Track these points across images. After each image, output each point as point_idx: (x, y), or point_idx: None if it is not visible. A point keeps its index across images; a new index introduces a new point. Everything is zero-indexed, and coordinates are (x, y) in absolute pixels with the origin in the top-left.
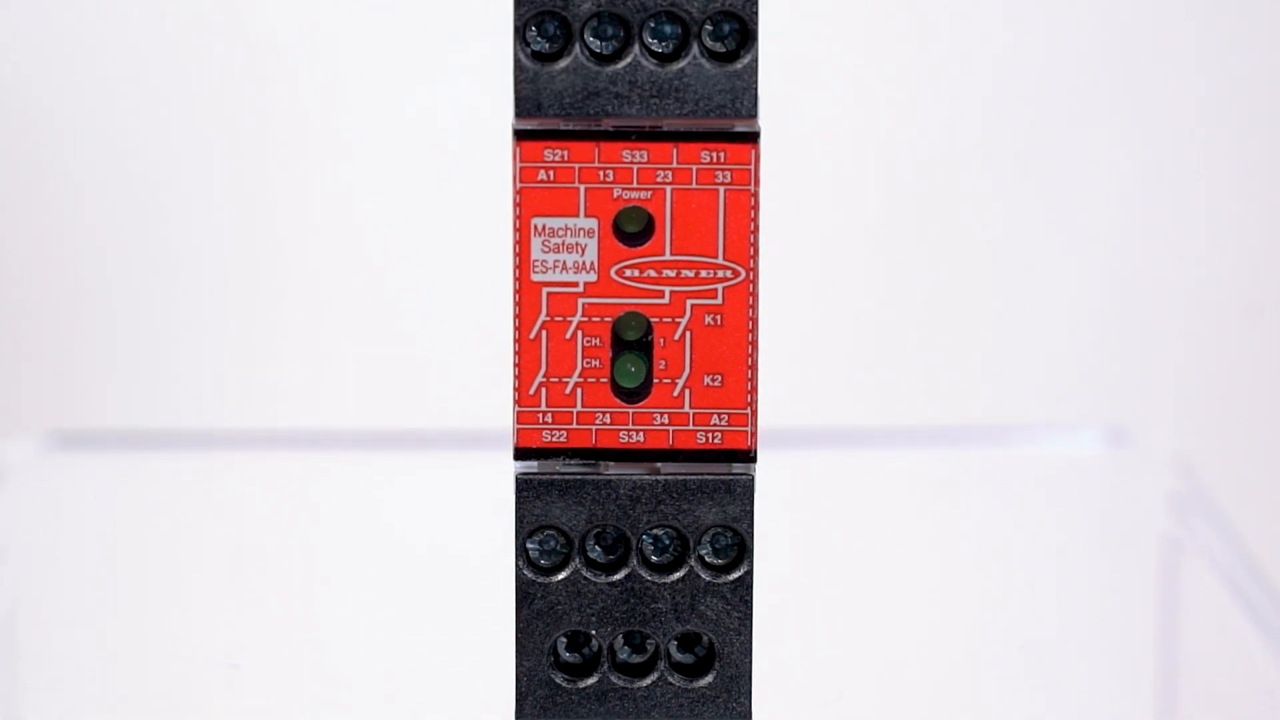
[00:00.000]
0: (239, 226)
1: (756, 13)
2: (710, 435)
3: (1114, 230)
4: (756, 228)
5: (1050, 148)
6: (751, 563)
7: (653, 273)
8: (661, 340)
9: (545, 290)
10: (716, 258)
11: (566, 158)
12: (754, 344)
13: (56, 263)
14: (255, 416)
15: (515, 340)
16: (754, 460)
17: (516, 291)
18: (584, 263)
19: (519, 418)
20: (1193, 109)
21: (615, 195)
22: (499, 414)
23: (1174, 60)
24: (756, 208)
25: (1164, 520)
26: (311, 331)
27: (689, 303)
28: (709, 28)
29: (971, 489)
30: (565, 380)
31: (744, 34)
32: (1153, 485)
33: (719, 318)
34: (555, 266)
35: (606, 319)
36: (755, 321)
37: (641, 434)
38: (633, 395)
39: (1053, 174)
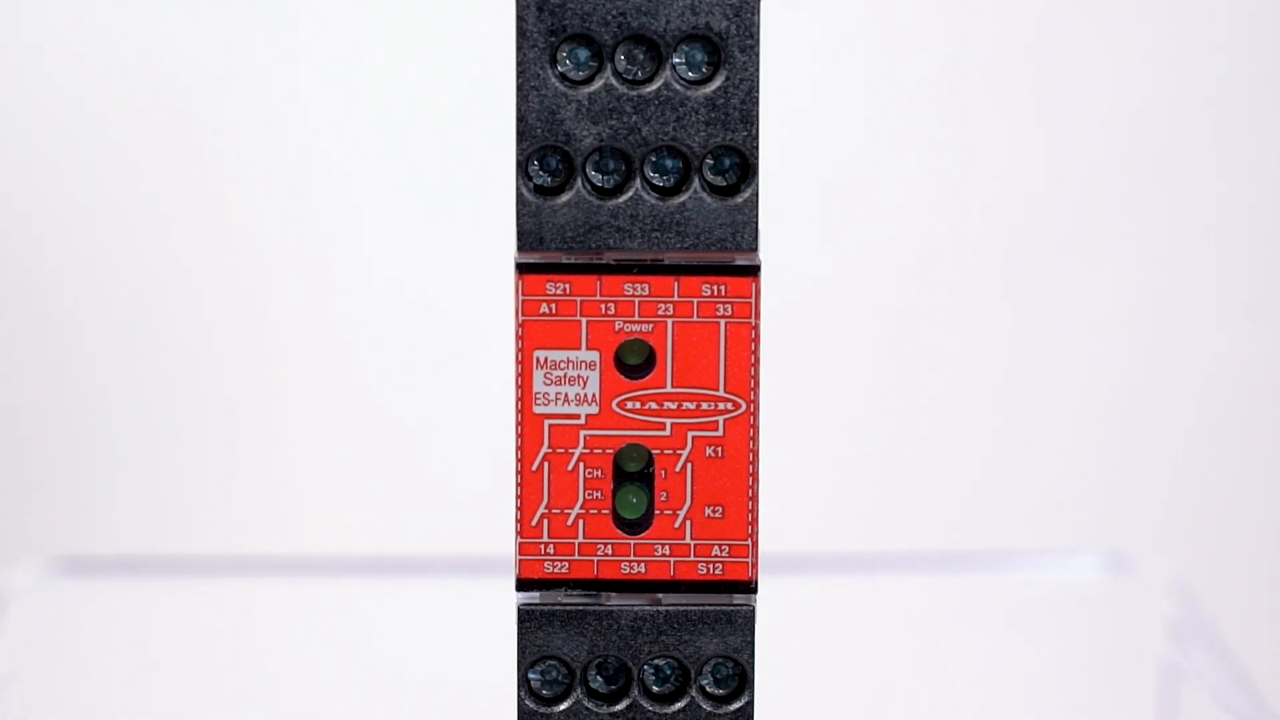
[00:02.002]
0: (244, 352)
1: (757, 147)
2: (711, 566)
3: (1112, 356)
4: (757, 360)
5: (1046, 275)
6: (752, 693)
7: (654, 405)
8: (663, 472)
9: (547, 422)
10: (717, 390)
11: (568, 291)
12: (754, 475)
13: (60, 387)
14: (259, 542)
15: (517, 472)
16: (755, 591)
17: (519, 423)
18: (586, 395)
19: (521, 549)
20: (1188, 234)
21: (617, 328)
22: (501, 541)
23: (1172, 183)
24: (757, 340)
25: (1163, 647)
26: (314, 459)
27: (690, 434)
28: (710, 162)
29: (971, 615)
30: (567, 511)
31: (744, 168)
32: (1152, 611)
33: (720, 449)
34: (557, 399)
35: (608, 451)
36: (756, 453)
37: (643, 565)
38: (634, 526)
39: (1049, 300)
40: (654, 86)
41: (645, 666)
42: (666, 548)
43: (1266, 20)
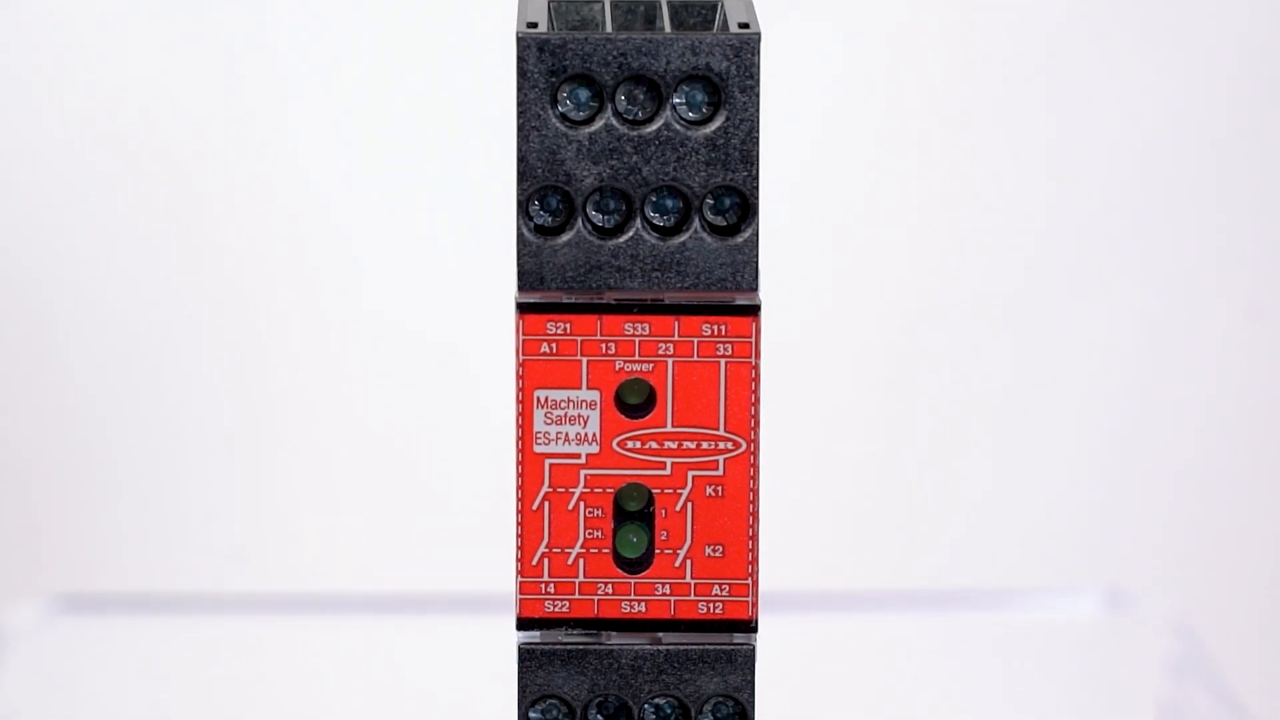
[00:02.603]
0: (246, 390)
1: (757, 187)
2: (711, 605)
3: (1111, 393)
4: (757, 399)
5: (1044, 312)
6: None
7: (654, 444)
8: (663, 511)
9: (548, 462)
10: (718, 429)
11: (569, 331)
12: (755, 515)
13: (60, 423)
14: (262, 580)
15: (518, 512)
16: (755, 630)
17: (519, 463)
18: (586, 434)
19: (521, 588)
20: (1186, 270)
21: (617, 368)
22: (501, 579)
23: (1170, 222)
24: (757, 380)
25: (1162, 684)
26: (316, 497)
27: (690, 474)
28: (710, 202)
29: (970, 652)
30: (567, 551)
31: (744, 208)
32: (1151, 649)
33: (720, 489)
34: (558, 438)
35: (608, 490)
36: (756, 493)
37: (643, 604)
38: (634, 566)
39: (1047, 337)
40: (654, 127)
41: (646, 705)
42: (667, 587)
43: (1270, 51)
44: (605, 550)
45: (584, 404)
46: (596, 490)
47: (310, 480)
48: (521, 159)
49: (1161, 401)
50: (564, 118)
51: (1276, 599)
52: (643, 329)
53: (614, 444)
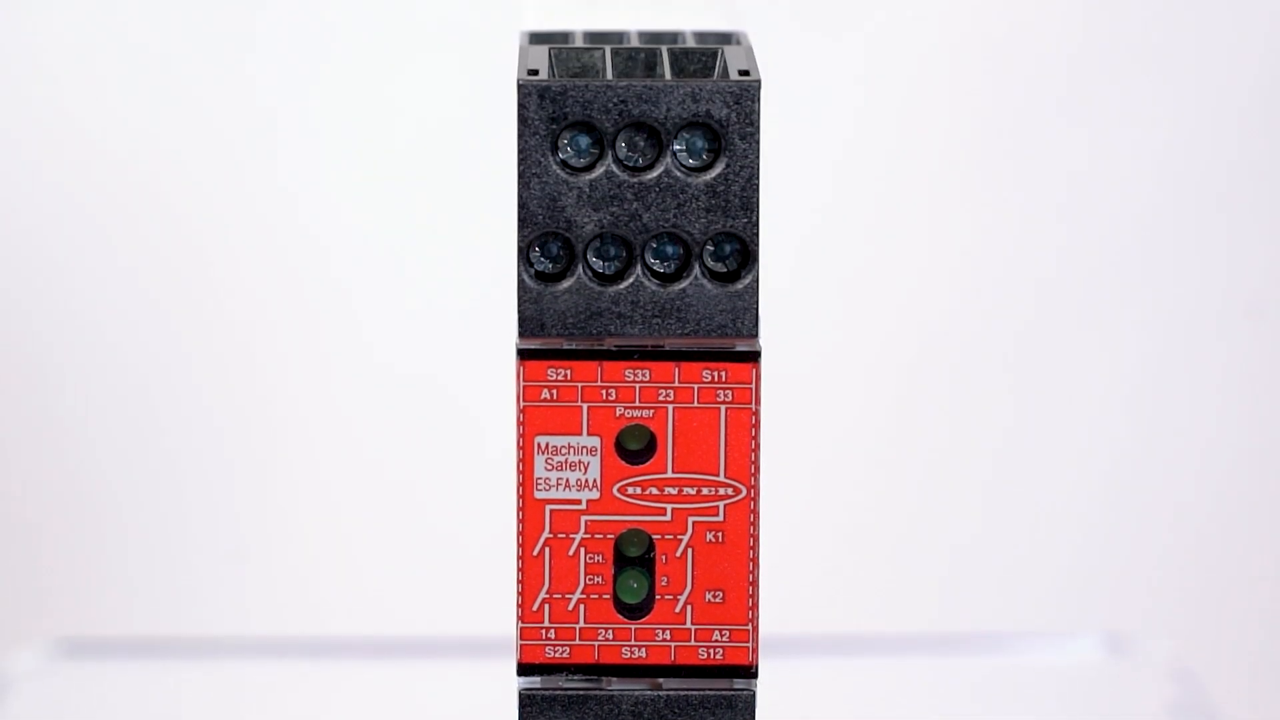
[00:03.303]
0: (248, 437)
1: (757, 234)
2: (712, 651)
3: (1109, 437)
4: (757, 445)
5: (1043, 357)
6: None
7: (655, 490)
8: (663, 557)
9: (548, 508)
10: (718, 475)
11: (569, 377)
12: (755, 560)
13: (62, 467)
14: (263, 625)
15: (519, 557)
16: (755, 676)
17: (520, 509)
18: (587, 480)
19: (522, 634)
20: (1185, 318)
21: (618, 414)
22: (502, 623)
23: (1168, 273)
24: (757, 426)
25: None
26: (317, 541)
27: (690, 520)
28: (710, 248)
29: (971, 697)
30: (568, 597)
31: (744, 254)
32: (1151, 692)
33: (720, 535)
34: (558, 484)
35: (609, 536)
36: (756, 538)
37: (644, 650)
38: (635, 611)
39: (1046, 383)
40: (655, 173)
41: None
42: (667, 632)
43: (1268, 99)
44: (606, 596)
45: (584, 450)
46: (597, 536)
47: (312, 525)
48: (522, 205)
49: (1160, 445)
50: (565, 164)
51: (1275, 642)
52: (643, 375)
53: (614, 490)
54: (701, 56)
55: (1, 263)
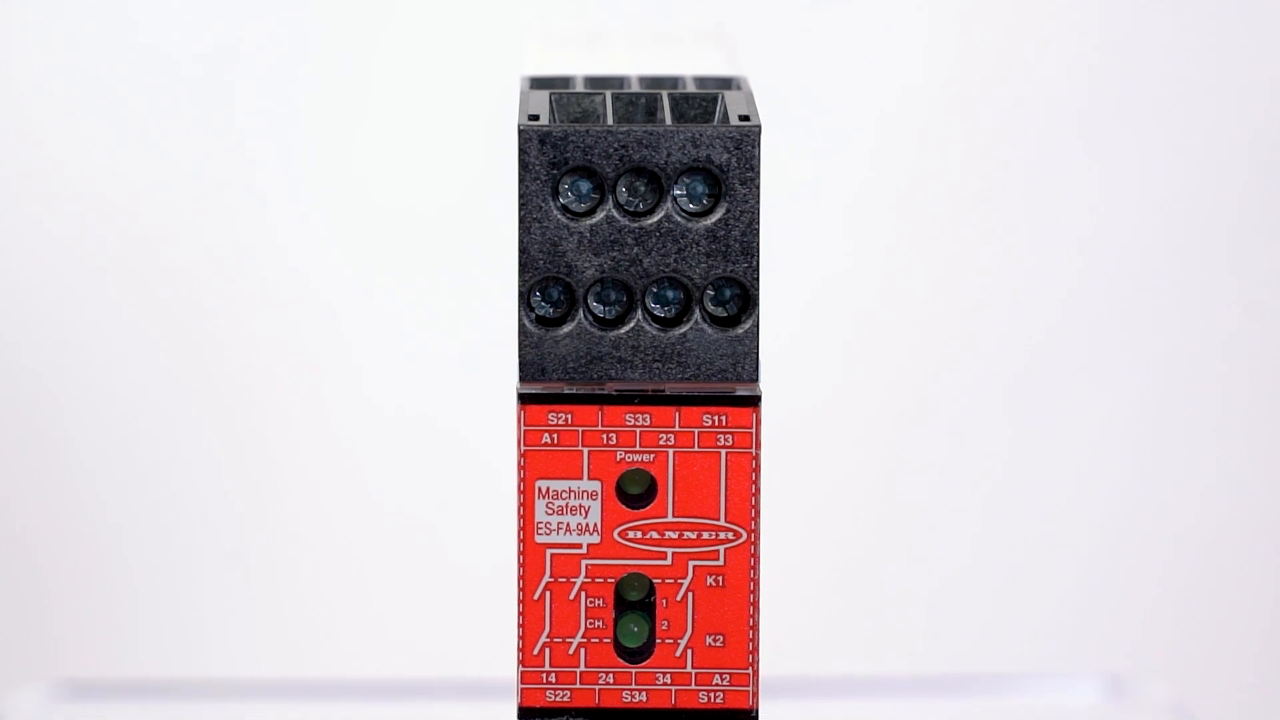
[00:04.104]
0: (251, 480)
1: (757, 279)
2: (712, 695)
3: (1109, 480)
4: (758, 490)
5: (1042, 400)
6: None
7: (655, 534)
8: (664, 601)
9: (549, 552)
10: (718, 520)
11: (570, 421)
12: (755, 604)
13: (65, 509)
14: (265, 667)
15: (519, 601)
16: (755, 719)
17: (521, 553)
18: (587, 524)
19: (523, 678)
20: (1182, 357)
21: (618, 458)
22: (503, 666)
23: (1167, 313)
24: (758, 470)
25: None
26: (320, 583)
27: (691, 564)
28: (710, 293)
29: None
30: (569, 640)
31: (745, 299)
32: None
33: (721, 579)
34: (559, 528)
35: (609, 580)
36: (756, 582)
37: (644, 694)
38: (636, 655)
39: (1045, 425)
40: (655, 218)
41: None
42: (668, 676)
43: (1268, 144)
44: (606, 640)
45: (585, 494)
46: (598, 580)
47: (315, 567)
48: (523, 250)
49: (1158, 487)
50: (565, 209)
51: (1274, 684)
52: (644, 420)
53: (615, 534)
54: (702, 101)
55: (7, 315)
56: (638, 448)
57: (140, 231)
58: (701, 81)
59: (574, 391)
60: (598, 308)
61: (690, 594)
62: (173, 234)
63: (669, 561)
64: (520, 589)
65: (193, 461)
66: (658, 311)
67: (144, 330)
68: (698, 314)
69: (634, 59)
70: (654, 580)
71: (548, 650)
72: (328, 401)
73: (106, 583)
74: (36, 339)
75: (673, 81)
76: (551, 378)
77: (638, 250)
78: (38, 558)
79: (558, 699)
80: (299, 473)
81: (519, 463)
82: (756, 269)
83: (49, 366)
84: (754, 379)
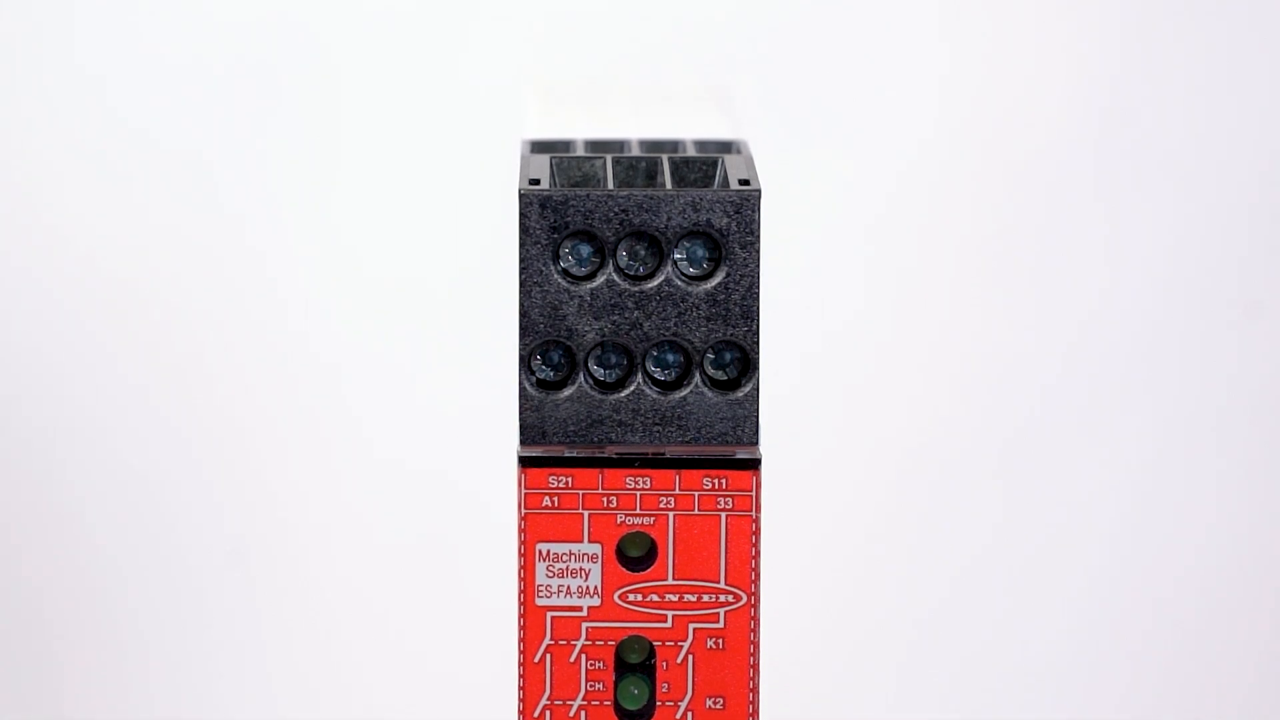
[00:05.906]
0: (253, 537)
1: (757, 342)
2: None
3: (1106, 544)
4: (758, 553)
5: (1041, 460)
6: None
7: (655, 597)
8: (664, 663)
9: (549, 614)
10: (718, 582)
11: (570, 484)
12: (755, 667)
13: (73, 566)
14: None
15: (520, 664)
16: None
17: (521, 615)
18: (588, 587)
19: None
20: (1182, 419)
21: (619, 521)
22: None
23: (1166, 371)
24: (758, 533)
25: None
26: (321, 645)
27: (691, 626)
28: (710, 356)
29: None
30: (569, 703)
31: (745, 363)
32: None
33: (721, 641)
34: (559, 591)
35: (610, 642)
36: (757, 645)
37: None
38: (636, 718)
39: (1044, 490)
40: (655, 282)
41: None
42: None
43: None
44: (607, 702)
45: (585, 557)
46: (598, 643)
47: (311, 629)
48: (524, 314)
49: (1153, 555)
50: (566, 273)
51: None
52: (644, 483)
53: (615, 596)
54: (702, 165)
55: (17, 392)
56: (638, 511)
57: (149, 296)
58: (701, 145)
59: (574, 455)
60: (598, 371)
61: (690, 656)
62: (179, 300)
63: (669, 624)
64: (521, 651)
65: (202, 526)
66: (658, 375)
67: (154, 410)
68: (698, 377)
69: (634, 120)
70: (654, 643)
71: (548, 713)
72: (328, 467)
73: (113, 639)
74: (49, 431)
75: (673, 145)
76: (552, 441)
77: (638, 314)
78: (44, 614)
79: None
80: (300, 537)
81: (519, 525)
82: (756, 333)
83: (59, 449)
84: (754, 442)
